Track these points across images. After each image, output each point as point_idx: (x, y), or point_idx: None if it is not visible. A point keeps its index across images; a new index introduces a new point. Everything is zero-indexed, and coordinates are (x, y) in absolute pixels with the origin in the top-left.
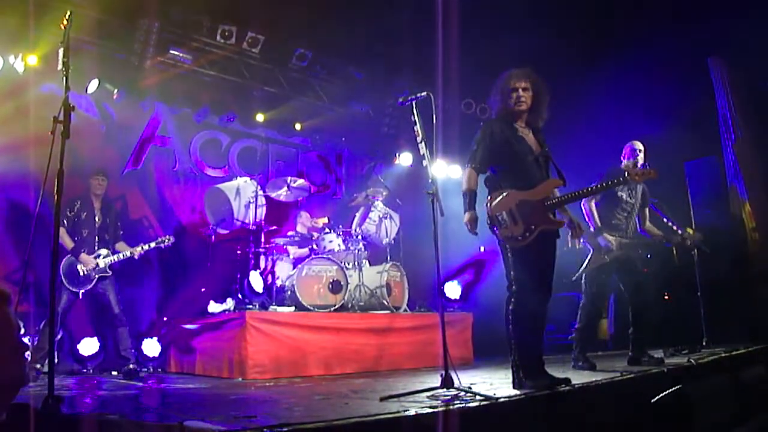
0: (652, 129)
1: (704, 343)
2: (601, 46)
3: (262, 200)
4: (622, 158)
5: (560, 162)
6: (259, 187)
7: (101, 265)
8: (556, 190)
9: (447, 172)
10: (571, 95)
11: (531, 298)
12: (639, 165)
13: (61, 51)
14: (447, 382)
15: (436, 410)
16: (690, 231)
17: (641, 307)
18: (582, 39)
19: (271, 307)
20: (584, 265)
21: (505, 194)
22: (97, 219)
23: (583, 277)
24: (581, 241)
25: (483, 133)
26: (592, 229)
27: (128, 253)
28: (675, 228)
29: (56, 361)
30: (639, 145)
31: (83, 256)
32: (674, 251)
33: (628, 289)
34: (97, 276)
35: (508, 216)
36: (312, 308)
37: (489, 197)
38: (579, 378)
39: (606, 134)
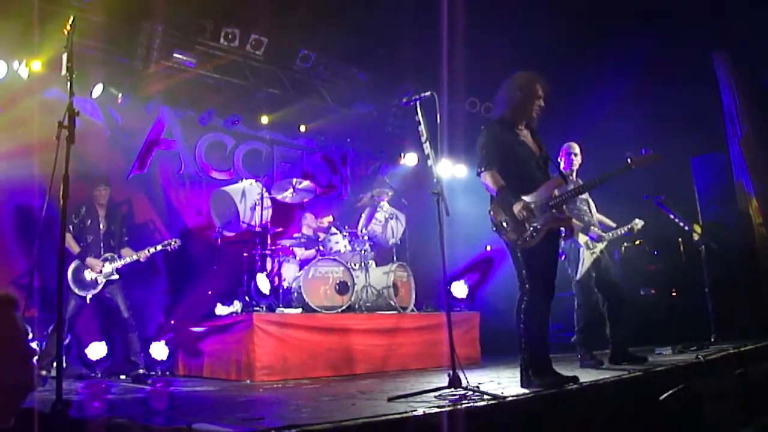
0: (658, 125)
1: (712, 340)
2: (605, 43)
3: (267, 202)
4: (558, 159)
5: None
6: (264, 189)
7: (108, 269)
8: (556, 190)
9: (452, 171)
10: (575, 92)
11: (542, 296)
12: (576, 171)
13: (64, 56)
14: (455, 382)
15: (444, 410)
16: (697, 227)
17: (615, 303)
18: (586, 36)
19: (278, 308)
20: (581, 264)
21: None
22: (101, 226)
23: (573, 281)
24: (571, 242)
25: (486, 138)
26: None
27: (135, 257)
28: (682, 224)
29: (64, 365)
30: (575, 148)
31: (90, 260)
32: (681, 248)
33: (602, 286)
34: (104, 280)
35: (512, 220)
36: (319, 309)
37: (492, 206)
38: (587, 376)
39: (610, 131)
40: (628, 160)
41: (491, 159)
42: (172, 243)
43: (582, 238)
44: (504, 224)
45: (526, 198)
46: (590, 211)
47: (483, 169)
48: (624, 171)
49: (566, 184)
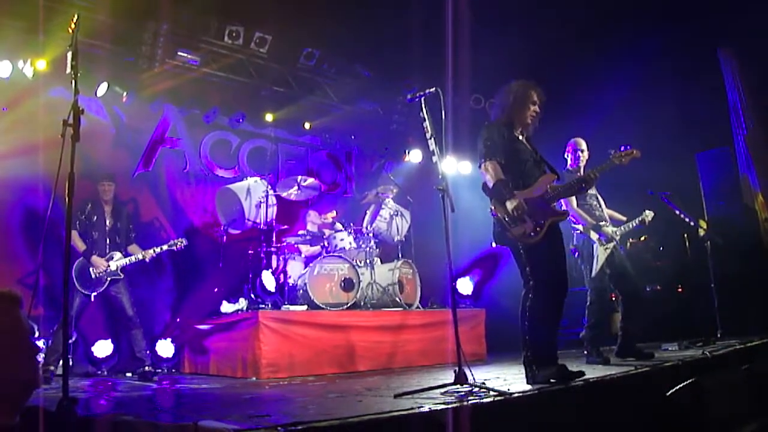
0: (664, 120)
1: (719, 335)
2: (610, 39)
3: (272, 200)
4: (565, 156)
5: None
6: (269, 187)
7: (112, 267)
8: (549, 186)
9: (457, 167)
10: (581, 89)
11: (549, 293)
12: (583, 167)
13: (69, 55)
14: (460, 378)
15: (450, 406)
16: (702, 223)
17: (629, 296)
18: (591, 32)
19: (284, 306)
20: (595, 261)
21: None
22: (107, 222)
23: (587, 278)
24: (584, 238)
25: (490, 131)
26: (582, 226)
27: (140, 256)
28: (687, 220)
29: (70, 363)
30: (582, 144)
31: (94, 258)
32: (686, 244)
33: (617, 280)
34: (108, 278)
35: (516, 217)
36: (324, 307)
37: (492, 202)
38: (593, 372)
39: (615, 127)
40: (610, 156)
41: (494, 150)
42: (178, 243)
43: (594, 235)
44: (506, 220)
45: (522, 194)
46: (600, 206)
47: (486, 159)
48: (608, 167)
49: (559, 180)
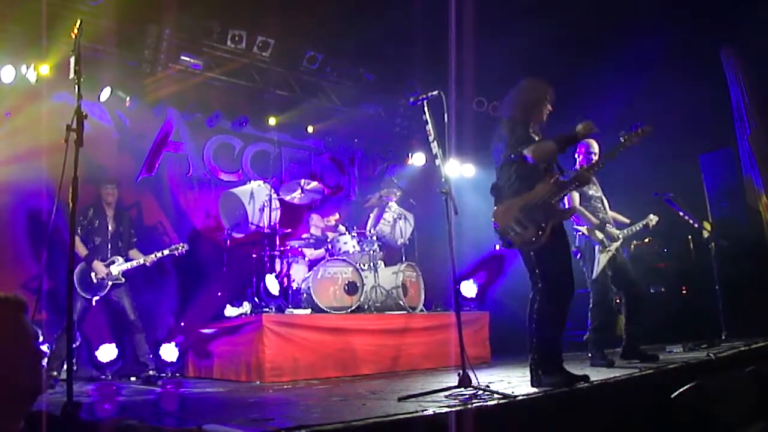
0: (667, 122)
1: (723, 337)
2: (612, 40)
3: (276, 203)
4: (575, 156)
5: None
6: (272, 191)
7: (114, 272)
8: (554, 185)
9: (460, 170)
10: (584, 91)
11: (557, 295)
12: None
13: (72, 60)
14: (465, 381)
15: (454, 409)
16: (706, 224)
17: (633, 299)
18: (594, 34)
19: (288, 309)
20: (596, 263)
21: (506, 205)
22: (110, 227)
23: (589, 281)
24: (586, 240)
25: (509, 125)
26: (587, 228)
27: (141, 261)
28: (691, 221)
29: (75, 368)
30: (594, 147)
31: (95, 263)
32: (690, 245)
33: (620, 283)
34: (110, 283)
35: (516, 224)
36: (328, 310)
37: (494, 209)
38: (597, 375)
39: (618, 129)
40: (621, 139)
41: (524, 138)
42: (180, 248)
43: (599, 236)
44: (508, 230)
45: (522, 201)
46: (604, 208)
47: (524, 148)
48: (620, 149)
49: (562, 176)
